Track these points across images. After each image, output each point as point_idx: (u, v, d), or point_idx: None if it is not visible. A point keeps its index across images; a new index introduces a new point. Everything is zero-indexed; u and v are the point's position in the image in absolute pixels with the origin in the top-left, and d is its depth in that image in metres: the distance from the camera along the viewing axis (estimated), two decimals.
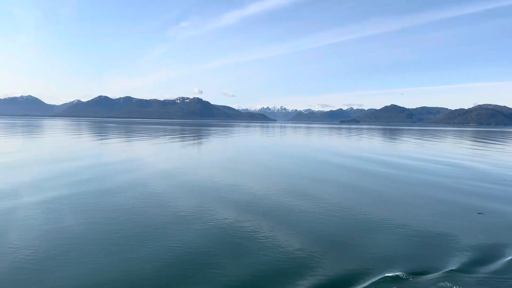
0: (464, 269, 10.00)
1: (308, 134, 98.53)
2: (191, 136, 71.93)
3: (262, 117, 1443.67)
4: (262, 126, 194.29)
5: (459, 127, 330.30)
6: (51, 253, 10.19)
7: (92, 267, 9.54)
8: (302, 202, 16.13)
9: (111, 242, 11.03)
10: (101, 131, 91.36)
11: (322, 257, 10.46)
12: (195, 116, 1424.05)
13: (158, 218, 13.42)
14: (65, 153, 33.04)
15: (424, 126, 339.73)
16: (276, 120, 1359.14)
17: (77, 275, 9.09)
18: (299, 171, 25.11)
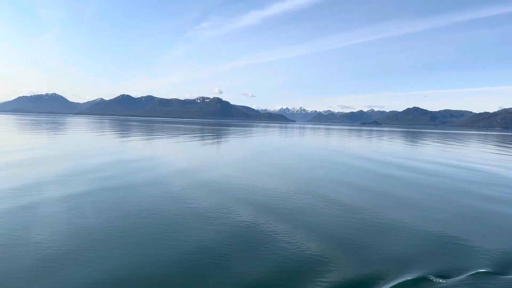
0: (488, 272, 9.88)
1: (327, 135, 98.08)
2: (211, 136, 72.32)
3: (281, 118, 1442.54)
4: (281, 127, 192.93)
5: (484, 131, 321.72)
6: (70, 250, 10.34)
7: (110, 263, 9.69)
8: (320, 204, 16.07)
9: (129, 240, 11.17)
10: (123, 129, 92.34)
11: (340, 260, 10.39)
12: (215, 115, 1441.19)
13: (176, 216, 13.54)
14: (88, 150, 33.46)
15: (447, 130, 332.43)
16: (295, 121, 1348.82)
17: (95, 272, 9.23)
18: (318, 173, 25.00)
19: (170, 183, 19.16)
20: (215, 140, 57.21)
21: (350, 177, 23.66)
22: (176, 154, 33.63)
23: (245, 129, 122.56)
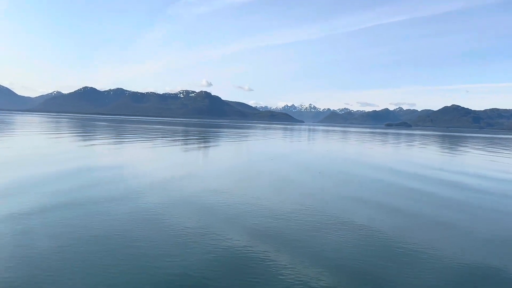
0: None
1: (343, 140, 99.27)
2: (196, 139, 73.27)
3: (285, 118, 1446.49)
4: (286, 129, 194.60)
5: None
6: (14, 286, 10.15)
7: None
8: (333, 226, 16.27)
9: (92, 272, 11.15)
10: (85, 130, 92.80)
11: None
12: (203, 114, 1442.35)
13: (151, 242, 13.55)
14: (40, 157, 33.66)
15: (495, 133, 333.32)
16: (303, 122, 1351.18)
17: None
18: (329, 187, 25.40)
19: (144, 199, 19.29)
20: (201, 146, 58.08)
21: (369, 193, 23.98)
22: (152, 163, 34.06)
23: (239, 132, 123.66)
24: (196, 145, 58.27)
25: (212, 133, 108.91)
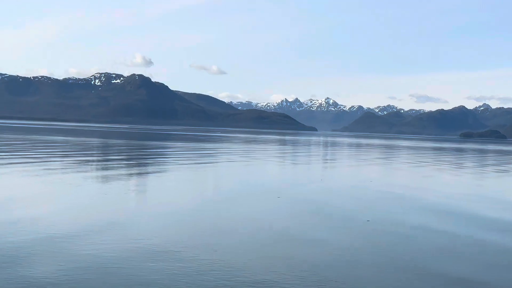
0: None
1: (390, 162, 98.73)
2: (119, 162, 71.57)
3: (284, 121, 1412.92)
4: (285, 144, 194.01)
5: None
6: None
7: None
8: None
9: None
10: None
11: None
12: (135, 114, 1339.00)
13: None
14: None
15: None
16: (316, 129, 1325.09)
17: None
18: (386, 249, 24.33)
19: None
20: (120, 171, 57.12)
21: (467, 267, 22.91)
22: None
23: (196, 148, 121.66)
24: (112, 170, 57.24)
25: (148, 148, 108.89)
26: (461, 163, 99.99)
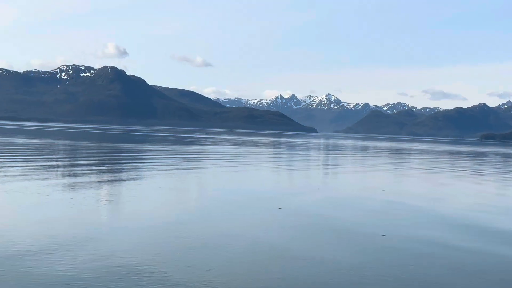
0: None
1: (403, 171, 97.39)
2: (89, 168, 71.04)
3: (278, 120, 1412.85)
4: (280, 148, 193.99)
5: None
6: None
7: None
8: None
9: None
10: None
11: None
12: (108, 113, 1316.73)
13: None
14: None
15: None
16: (316, 130, 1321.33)
17: None
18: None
19: None
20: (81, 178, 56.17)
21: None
22: None
23: (179, 152, 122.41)
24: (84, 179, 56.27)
25: (122, 157, 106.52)
26: (482, 170, 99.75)
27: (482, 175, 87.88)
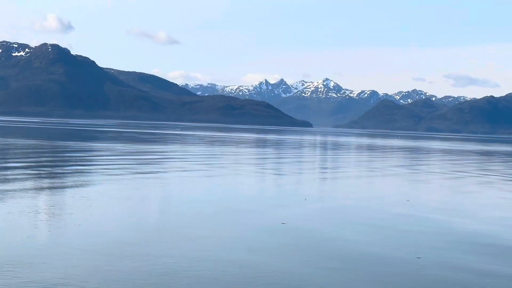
0: None
1: (420, 176, 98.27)
2: (23, 172, 71.12)
3: (263, 112, 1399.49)
4: (263, 145, 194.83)
5: None
6: None
7: None
8: None
9: None
10: None
11: None
12: (46, 101, 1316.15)
13: None
14: None
15: None
16: (310, 125, 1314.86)
17: None
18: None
19: None
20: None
21: None
22: None
23: (138, 152, 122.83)
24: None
25: (66, 158, 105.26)
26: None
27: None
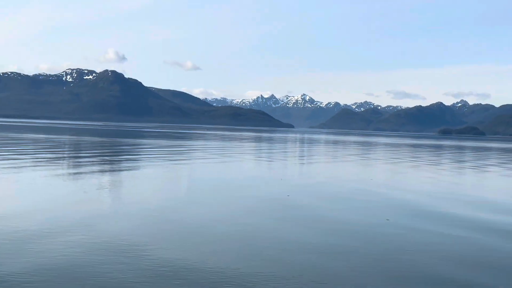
0: None
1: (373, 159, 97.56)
2: (90, 160, 70.73)
3: (260, 117, 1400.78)
4: (260, 140, 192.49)
5: None
6: None
7: None
8: None
9: None
10: None
11: None
12: (109, 111, 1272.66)
13: None
14: None
15: None
16: (293, 126, 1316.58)
17: None
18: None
19: None
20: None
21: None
22: None
23: (174, 145, 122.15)
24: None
25: (125, 150, 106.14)
26: (437, 160, 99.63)
27: (437, 165, 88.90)
